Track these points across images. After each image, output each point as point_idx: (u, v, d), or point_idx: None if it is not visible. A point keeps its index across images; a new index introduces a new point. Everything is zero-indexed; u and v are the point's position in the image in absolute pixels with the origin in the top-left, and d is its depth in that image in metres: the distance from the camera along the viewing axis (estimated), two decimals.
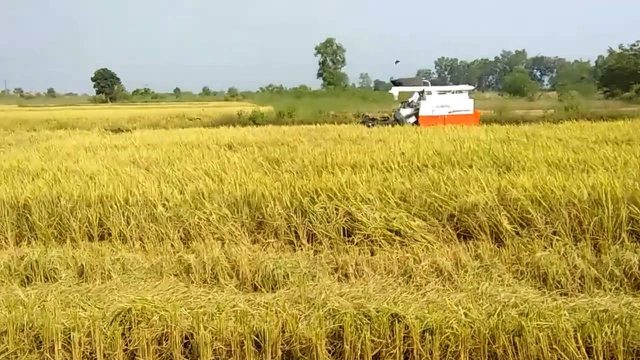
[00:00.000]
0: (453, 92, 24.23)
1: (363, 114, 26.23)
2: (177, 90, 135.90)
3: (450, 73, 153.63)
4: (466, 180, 7.78)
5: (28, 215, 7.39)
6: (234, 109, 36.94)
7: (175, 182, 8.90)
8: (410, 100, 24.34)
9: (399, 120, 22.88)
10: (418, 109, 23.35)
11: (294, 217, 6.91)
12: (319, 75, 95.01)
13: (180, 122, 29.88)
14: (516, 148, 11.42)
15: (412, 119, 23.21)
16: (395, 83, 25.50)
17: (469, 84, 27.09)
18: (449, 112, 23.05)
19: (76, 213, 7.27)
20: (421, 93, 23.91)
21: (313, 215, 6.87)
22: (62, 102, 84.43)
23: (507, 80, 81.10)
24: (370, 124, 22.67)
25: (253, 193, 7.45)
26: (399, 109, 24.22)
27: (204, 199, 7.47)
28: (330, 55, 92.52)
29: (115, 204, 7.31)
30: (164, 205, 7.35)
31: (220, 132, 19.10)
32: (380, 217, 6.65)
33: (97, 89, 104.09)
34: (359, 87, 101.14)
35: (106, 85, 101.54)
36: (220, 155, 12.41)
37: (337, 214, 6.82)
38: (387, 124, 22.13)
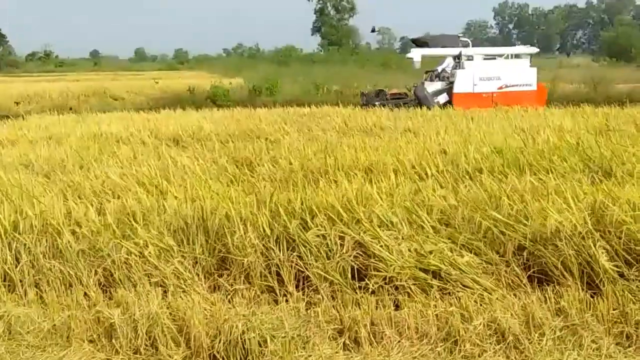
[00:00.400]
0: (507, 57, 24.61)
1: (361, 92, 26.32)
2: (94, 54, 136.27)
3: (517, 27, 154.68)
4: (542, 194, 7.80)
5: None
6: (183, 83, 37.06)
7: (90, 196, 8.89)
8: (439, 68, 24.65)
9: (421, 100, 23.15)
10: (452, 83, 23.62)
11: (276, 250, 6.88)
12: (315, 30, 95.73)
13: (99, 103, 30.02)
14: (620, 143, 11.46)
15: (443, 98, 23.50)
16: (418, 43, 25.90)
17: (531, 45, 27.28)
18: (500, 88, 23.41)
19: None
20: (457, 58, 24.12)
21: (305, 247, 6.84)
22: None
23: (605, 38, 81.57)
24: (372, 104, 22.84)
25: (212, 213, 7.43)
26: (422, 83, 24.49)
27: (136, 222, 7.46)
28: (332, 0, 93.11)
29: None
30: (73, 232, 7.32)
31: (162, 119, 19.18)
32: (409, 250, 6.66)
33: None
34: (376, 49, 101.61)
35: None
36: (162, 154, 12.42)
37: (342, 246, 6.80)
38: (402, 105, 22.31)
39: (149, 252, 6.95)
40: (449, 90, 23.46)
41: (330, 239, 6.86)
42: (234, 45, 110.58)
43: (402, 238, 6.86)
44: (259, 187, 8.88)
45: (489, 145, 11.63)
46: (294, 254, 6.86)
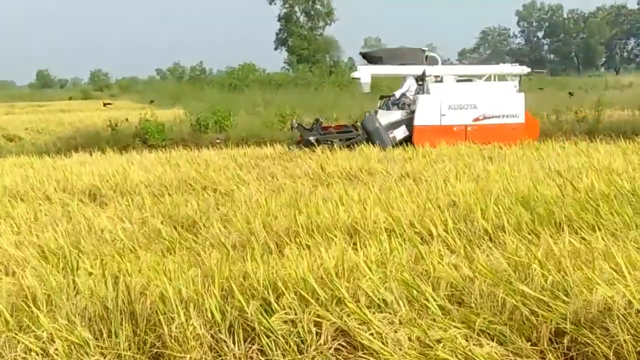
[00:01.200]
0: (486, 79, 24.74)
1: (291, 123, 26.03)
2: None
3: (548, 36, 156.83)
4: (586, 259, 7.84)
5: None
6: (102, 116, 37.11)
7: None
8: (398, 93, 24.76)
9: (371, 134, 23.17)
10: (413, 112, 23.64)
11: (229, 342, 6.85)
12: (280, 42, 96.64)
13: None
14: None
15: (401, 132, 23.54)
16: (369, 59, 25.90)
17: (527, 66, 27.38)
18: (477, 120, 23.44)
19: None
20: (420, 79, 24.23)
21: (269, 337, 6.82)
22: None
23: None
24: (307, 142, 22.99)
25: (142, 294, 7.40)
26: (374, 112, 24.56)
27: (37, 308, 7.39)
28: (302, 3, 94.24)
29: None
30: None
31: (73, 166, 19.14)
32: (409, 338, 6.63)
33: None
34: None
35: None
36: (73, 214, 12.37)
37: (318, 335, 6.79)
38: (347, 143, 22.57)
39: (56, 350, 6.87)
40: (408, 121, 23.40)
41: (302, 326, 6.84)
42: (170, 65, 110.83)
43: (400, 323, 6.83)
44: (205, 256, 8.85)
45: (513, 195, 11.70)
46: (254, 347, 6.81)
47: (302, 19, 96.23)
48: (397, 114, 23.73)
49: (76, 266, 8.65)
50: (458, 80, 24.57)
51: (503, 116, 23.42)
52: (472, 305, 7.12)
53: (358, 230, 10.17)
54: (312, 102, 37.77)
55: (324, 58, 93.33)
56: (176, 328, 6.98)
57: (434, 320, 6.89)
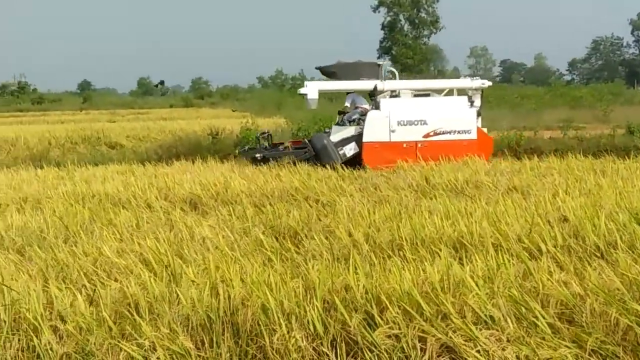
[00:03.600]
0: (438, 95, 24.29)
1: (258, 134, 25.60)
2: (84, 86, 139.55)
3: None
4: None
5: None
6: (203, 124, 37.54)
7: (78, 280, 9.03)
8: (355, 110, 24.46)
9: (319, 152, 22.95)
10: (362, 130, 23.31)
11: (331, 355, 6.91)
12: (384, 50, 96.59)
13: (90, 153, 30.46)
14: None
15: (351, 149, 23.19)
16: (323, 72, 25.68)
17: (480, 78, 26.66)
18: (427, 136, 22.98)
19: None
20: (372, 95, 24.01)
21: (372, 352, 6.85)
22: None
23: None
24: (253, 158, 22.90)
25: (244, 305, 7.50)
26: (328, 130, 24.42)
27: (140, 316, 7.54)
28: (407, 11, 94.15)
29: None
30: (55, 330, 7.43)
31: (175, 174, 19.40)
32: (517, 356, 6.59)
33: None
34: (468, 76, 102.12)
35: None
36: (175, 222, 12.58)
37: (423, 351, 6.80)
38: (295, 160, 22.23)
39: (157, 358, 7.00)
40: (359, 138, 23.01)
41: (406, 341, 6.86)
42: (272, 73, 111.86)
43: (508, 340, 6.80)
44: (308, 268, 8.89)
45: (627, 210, 11.50)
46: None
47: (406, 27, 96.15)
48: (350, 130, 23.36)
49: (178, 275, 8.80)
50: (415, 95, 24.09)
51: (454, 132, 22.94)
52: (583, 324, 7.03)
53: (464, 244, 10.12)
54: None
55: (428, 67, 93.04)
56: (278, 340, 7.06)
57: (543, 338, 6.82)
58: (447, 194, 15.10)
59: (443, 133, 22.82)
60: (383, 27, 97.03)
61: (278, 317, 7.24)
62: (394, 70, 25.88)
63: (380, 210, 12.73)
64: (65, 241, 11.47)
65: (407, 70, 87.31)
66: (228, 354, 7.14)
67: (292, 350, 6.97)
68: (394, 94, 23.90)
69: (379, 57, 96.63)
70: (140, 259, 9.80)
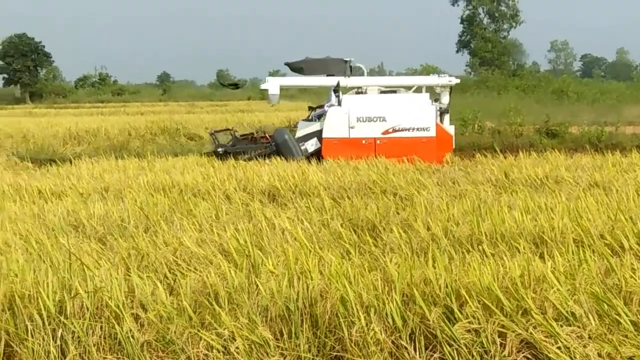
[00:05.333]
0: (399, 92, 24.27)
1: (212, 131, 25.92)
2: (163, 78, 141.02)
3: None
4: None
5: None
6: (280, 116, 37.72)
7: (159, 269, 9.15)
8: (326, 105, 24.49)
9: (279, 147, 23.08)
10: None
11: (409, 349, 6.90)
12: (462, 45, 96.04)
13: (170, 144, 30.82)
14: None
15: (313, 145, 23.42)
16: (291, 68, 25.81)
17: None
18: (386, 133, 22.96)
19: None
20: (336, 92, 23.81)
21: (451, 346, 6.84)
22: None
23: None
24: (216, 153, 23.06)
25: (322, 297, 7.53)
26: (297, 125, 24.62)
27: (219, 306, 7.61)
28: (487, 4, 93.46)
29: (39, 314, 7.55)
30: (136, 318, 7.52)
31: (253, 167, 19.51)
32: (599, 354, 6.52)
33: (5, 75, 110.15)
34: (548, 71, 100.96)
35: (23, 68, 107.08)
36: (254, 214, 12.67)
37: (502, 346, 6.77)
38: (256, 155, 22.43)
39: (236, 348, 7.06)
40: (320, 134, 23.19)
41: (486, 336, 6.84)
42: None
43: (589, 337, 6.73)
44: (386, 261, 8.89)
45: None
46: (436, 355, 6.85)
47: (485, 20, 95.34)
48: (315, 126, 23.51)
49: (257, 265, 8.86)
50: (382, 92, 24.03)
51: (413, 129, 22.85)
52: None
53: (545, 240, 10.03)
54: (495, 106, 37.24)
55: (508, 61, 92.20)
56: (356, 332, 7.07)
57: (626, 336, 6.74)
58: (527, 189, 14.96)
59: (401, 130, 22.91)
60: (462, 20, 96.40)
61: (357, 310, 7.25)
62: (362, 66, 26.10)
63: (458, 205, 12.64)
64: (145, 230, 11.63)
65: (486, 64, 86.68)
66: (307, 345, 7.17)
67: (371, 343, 6.97)
68: (360, 91, 24.04)
69: (457, 51, 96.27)
70: (219, 250, 9.89)
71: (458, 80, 25.48)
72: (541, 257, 8.93)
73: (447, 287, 7.60)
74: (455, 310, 7.20)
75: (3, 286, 8.07)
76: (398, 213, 12.42)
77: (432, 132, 22.86)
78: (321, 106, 24.85)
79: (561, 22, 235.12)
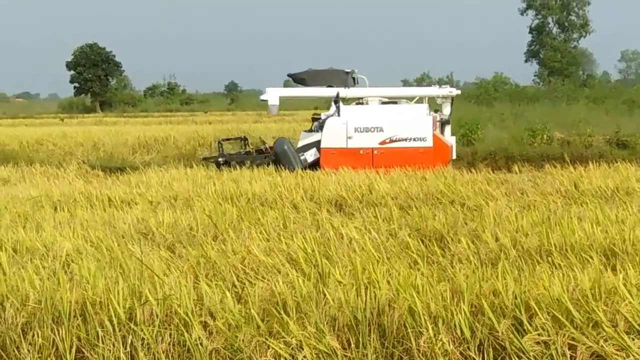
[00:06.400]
0: (397, 103, 24.23)
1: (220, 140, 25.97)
2: (231, 87, 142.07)
3: None
4: None
5: None
6: None
7: (227, 277, 9.21)
8: (323, 115, 24.63)
9: (278, 157, 23.14)
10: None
11: None
12: (531, 54, 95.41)
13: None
14: None
15: (312, 155, 23.45)
16: (294, 79, 25.98)
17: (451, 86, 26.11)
18: (383, 143, 22.87)
19: (33, 335, 7.71)
20: (336, 103, 23.85)
21: (519, 358, 6.82)
22: (7, 111, 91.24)
23: None
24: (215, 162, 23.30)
25: (390, 307, 7.53)
26: (301, 137, 24.59)
27: (287, 314, 7.65)
28: (556, 14, 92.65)
29: (110, 320, 7.66)
30: (205, 325, 7.60)
31: (320, 176, 19.53)
32: None
33: (77, 84, 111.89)
34: (618, 81, 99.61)
35: (94, 77, 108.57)
36: (321, 223, 12.70)
37: (572, 359, 6.74)
38: (254, 164, 22.62)
39: (304, 357, 7.09)
40: (319, 144, 23.21)
41: (555, 348, 6.80)
42: (417, 75, 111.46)
43: None
44: (454, 271, 8.87)
45: None
46: None
47: (555, 30, 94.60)
48: (316, 136, 23.52)
49: (325, 275, 8.87)
50: (383, 103, 24.03)
51: (410, 139, 22.73)
52: None
53: (615, 252, 9.91)
54: (564, 116, 36.92)
55: (577, 71, 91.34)
56: (424, 343, 7.07)
57: None
58: (597, 200, 14.78)
59: (398, 140, 22.85)
60: (531, 30, 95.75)
61: (425, 320, 7.24)
62: (363, 77, 25.91)
63: (527, 216, 12.55)
64: (214, 239, 11.70)
65: (555, 73, 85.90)
66: (374, 355, 7.17)
67: (439, 354, 6.96)
68: (360, 102, 24.15)
69: (526, 61, 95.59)
70: (287, 259, 9.91)
71: (459, 92, 25.62)
72: (612, 269, 8.82)
73: (516, 298, 7.56)
74: (525, 321, 7.16)
75: (75, 293, 8.20)
76: (466, 223, 12.35)
77: (429, 143, 22.86)
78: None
79: (632, 31, 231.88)
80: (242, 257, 10.15)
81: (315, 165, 22.91)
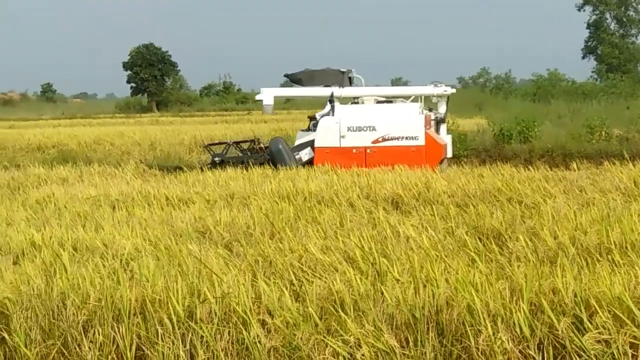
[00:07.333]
0: (388, 102, 24.45)
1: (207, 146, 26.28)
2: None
3: None
4: None
5: (5, 334, 8.09)
6: None
7: (284, 275, 9.25)
8: (318, 115, 24.72)
9: (273, 155, 23.40)
10: None
11: (538, 359, 6.85)
12: (588, 50, 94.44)
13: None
14: None
15: (307, 154, 23.68)
16: (291, 79, 26.34)
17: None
18: (376, 142, 23.06)
19: (94, 332, 7.82)
20: (331, 102, 24.00)
21: (580, 356, 6.77)
22: (65, 112, 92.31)
23: None
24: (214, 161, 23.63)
25: (448, 305, 7.51)
26: (297, 136, 24.91)
27: (345, 312, 7.66)
28: (614, 9, 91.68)
29: (169, 318, 7.75)
30: (263, 323, 7.64)
31: (375, 174, 19.52)
32: None
33: (133, 84, 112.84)
34: None
35: (150, 77, 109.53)
36: (378, 221, 12.69)
37: (634, 358, 6.69)
38: (248, 163, 22.73)
39: (362, 355, 7.10)
40: (313, 143, 23.46)
41: (616, 347, 6.73)
42: (474, 73, 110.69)
43: None
44: (512, 269, 8.81)
45: None
46: None
47: (612, 26, 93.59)
48: (311, 136, 23.80)
49: (382, 273, 8.87)
50: (378, 102, 24.24)
51: (402, 138, 22.95)
52: None
53: None
54: (623, 113, 36.54)
55: (636, 67, 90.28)
56: (483, 341, 7.04)
57: None
58: None
59: (391, 139, 23.09)
60: (588, 25, 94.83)
61: (484, 318, 7.21)
62: (360, 77, 26.27)
63: (586, 213, 12.43)
64: (271, 237, 11.74)
65: (613, 70, 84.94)
66: (432, 353, 7.16)
67: (498, 352, 6.93)
68: (356, 101, 24.45)
69: (583, 57, 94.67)
70: (344, 257, 9.92)
71: (454, 91, 25.98)
72: None
73: (576, 296, 7.50)
74: (585, 320, 7.10)
75: (135, 291, 8.29)
76: (524, 221, 12.26)
77: (421, 141, 23.06)
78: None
79: None
80: (300, 255, 10.17)
81: (310, 164, 23.20)
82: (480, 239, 11.19)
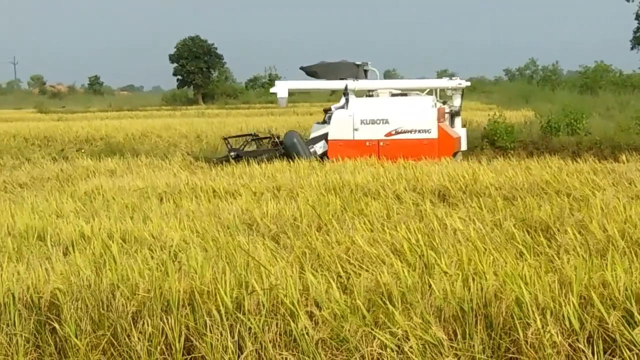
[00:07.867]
0: (402, 95, 24.54)
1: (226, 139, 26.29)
2: None
3: None
4: None
5: (56, 324, 8.18)
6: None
7: (332, 268, 9.25)
8: (333, 107, 24.94)
9: (288, 149, 23.71)
10: None
11: (587, 352, 6.80)
12: (637, 42, 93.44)
13: None
14: None
15: (321, 147, 24.06)
16: (306, 72, 26.40)
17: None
18: (389, 135, 23.27)
19: (143, 323, 7.88)
20: (346, 94, 24.11)
21: (631, 350, 6.71)
22: (112, 104, 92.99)
23: None
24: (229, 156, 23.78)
25: (497, 298, 7.48)
26: (313, 129, 25.18)
27: (393, 305, 7.65)
28: None
29: (218, 310, 7.78)
30: (310, 315, 7.65)
31: (422, 166, 19.50)
32: None
33: (179, 77, 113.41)
34: None
35: (196, 69, 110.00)
36: (425, 214, 12.67)
37: None
38: (261, 158, 22.96)
39: (410, 348, 7.09)
40: (327, 136, 23.68)
41: None
42: (521, 65, 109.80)
43: None
44: (561, 262, 8.77)
45: None
46: (615, 359, 6.71)
47: None
48: (326, 129, 24.03)
49: (430, 265, 8.86)
50: (393, 95, 24.43)
51: (415, 131, 23.20)
52: None
53: None
54: None
55: None
56: (532, 334, 7.01)
57: None
58: None
59: (403, 132, 23.36)
60: (637, 16, 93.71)
61: (532, 311, 7.18)
62: (375, 70, 26.55)
63: (636, 206, 12.32)
64: (318, 229, 11.77)
65: None
66: (481, 346, 7.15)
67: (547, 346, 6.90)
68: (370, 94, 24.75)
69: (632, 48, 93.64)
70: (391, 249, 9.92)
71: (468, 84, 26.40)
72: None
73: (626, 290, 7.45)
74: (636, 313, 7.05)
75: (183, 282, 8.35)
76: (572, 214, 12.18)
77: (434, 134, 23.29)
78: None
79: None
80: (347, 247, 10.18)
81: (324, 157, 23.49)
82: (528, 231, 11.14)
